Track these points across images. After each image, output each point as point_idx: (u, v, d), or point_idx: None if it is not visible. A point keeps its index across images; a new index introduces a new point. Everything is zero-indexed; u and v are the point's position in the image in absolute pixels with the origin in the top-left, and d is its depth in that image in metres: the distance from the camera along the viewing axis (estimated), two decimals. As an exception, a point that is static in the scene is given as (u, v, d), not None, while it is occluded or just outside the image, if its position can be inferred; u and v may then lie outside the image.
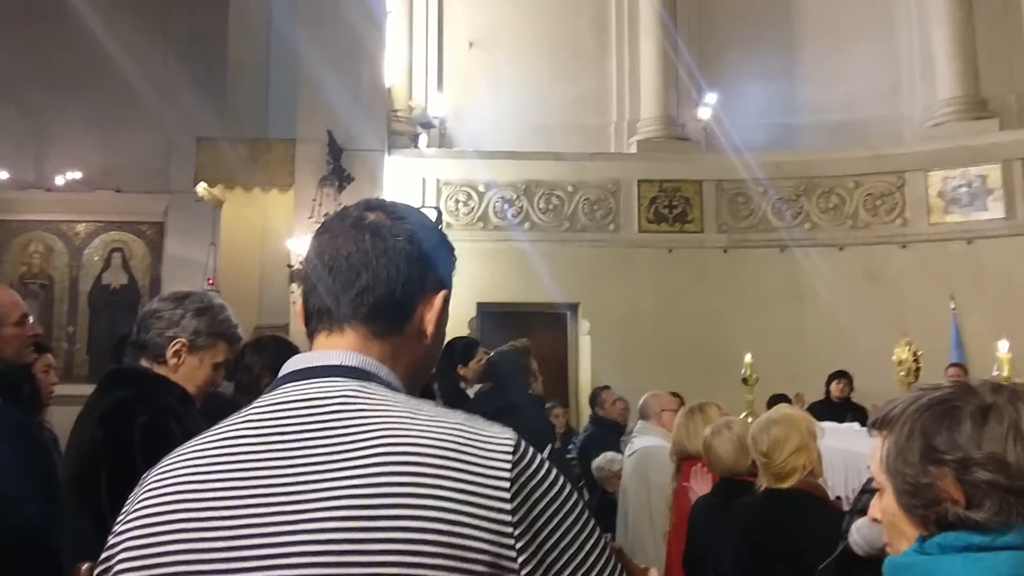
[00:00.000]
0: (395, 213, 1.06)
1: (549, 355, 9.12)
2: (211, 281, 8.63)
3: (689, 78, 9.96)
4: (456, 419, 0.93)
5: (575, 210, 9.44)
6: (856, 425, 5.99)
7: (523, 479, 0.88)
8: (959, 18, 9.10)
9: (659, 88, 9.86)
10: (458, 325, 8.27)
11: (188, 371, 2.08)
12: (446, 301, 1.07)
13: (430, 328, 1.05)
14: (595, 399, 6.45)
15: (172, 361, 2.07)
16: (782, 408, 2.97)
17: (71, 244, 10.25)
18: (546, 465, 0.92)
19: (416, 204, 8.96)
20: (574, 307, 9.42)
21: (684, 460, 3.54)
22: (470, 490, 0.86)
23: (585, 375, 9.16)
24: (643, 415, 4.47)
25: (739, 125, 9.51)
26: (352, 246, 1.02)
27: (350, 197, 8.42)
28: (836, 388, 7.40)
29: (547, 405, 6.58)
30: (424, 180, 9.34)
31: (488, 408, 3.29)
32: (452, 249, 1.12)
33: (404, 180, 9.15)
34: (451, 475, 0.86)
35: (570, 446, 6.30)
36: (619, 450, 5.42)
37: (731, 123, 9.54)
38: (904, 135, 9.51)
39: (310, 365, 1.00)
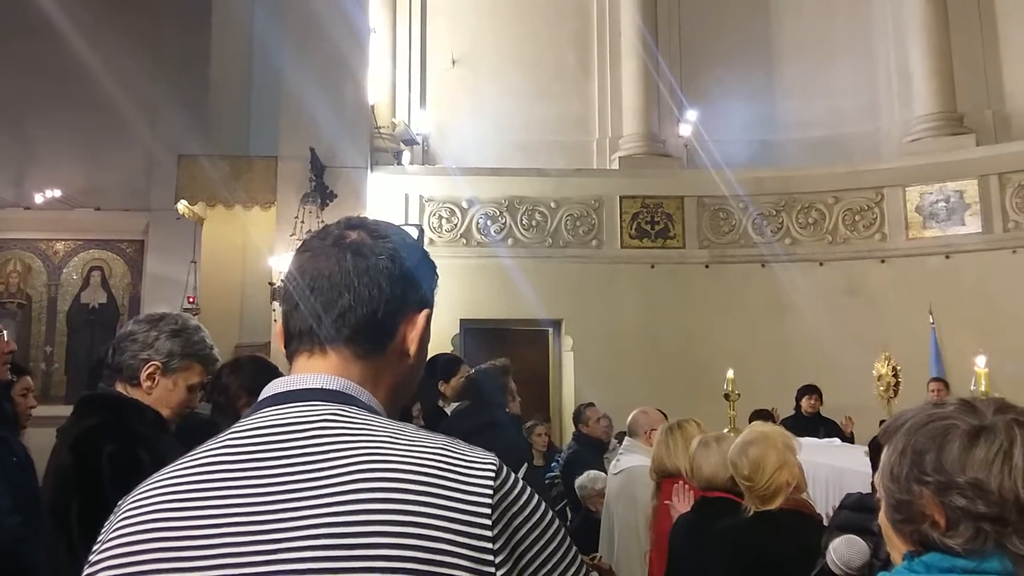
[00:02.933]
0: (376, 232, 1.05)
1: (532, 372, 9.15)
2: (191, 299, 8.57)
3: (670, 95, 10.04)
4: (438, 442, 0.92)
5: (558, 226, 9.47)
6: (836, 440, 6.03)
7: (505, 504, 0.88)
8: (936, 35, 9.24)
9: (641, 105, 9.93)
10: (441, 342, 8.25)
11: (162, 394, 2.05)
12: (428, 319, 1.06)
13: (413, 347, 1.04)
14: (579, 416, 6.43)
15: (146, 384, 2.05)
16: (756, 427, 2.93)
17: (50, 263, 10.16)
18: (528, 490, 0.92)
19: (399, 221, 9.02)
20: (557, 323, 9.43)
21: (664, 478, 3.52)
22: (451, 516, 0.85)
23: (568, 391, 9.15)
24: (631, 432, 4.43)
25: (720, 142, 9.60)
26: (334, 266, 1.01)
27: (333, 214, 8.42)
28: (807, 403, 7.45)
29: (530, 424, 6.57)
30: (407, 197, 9.34)
31: (466, 426, 3.27)
32: (434, 267, 1.11)
33: (387, 197, 9.15)
34: (432, 500, 0.85)
35: (553, 464, 6.27)
36: (602, 467, 5.40)
37: (712, 140, 9.62)
38: (883, 151, 9.61)
39: (290, 388, 0.99)
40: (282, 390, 0.99)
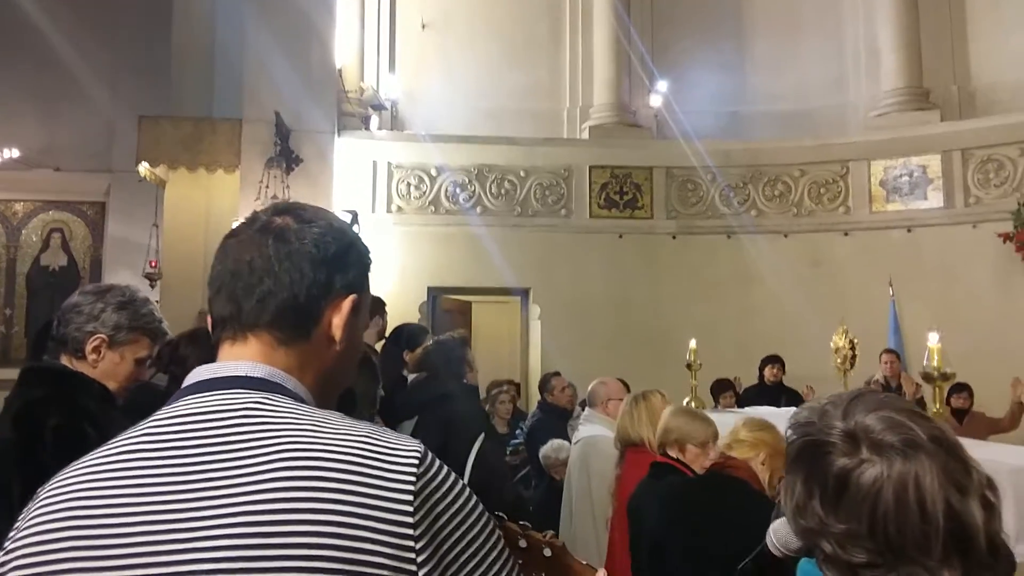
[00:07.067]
0: (303, 217, 1.04)
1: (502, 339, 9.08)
2: (153, 263, 8.44)
3: (641, 66, 10.00)
4: (362, 430, 0.91)
5: (527, 195, 9.44)
6: (794, 409, 6.14)
7: (427, 491, 0.87)
8: (904, 11, 9.27)
9: (611, 75, 9.88)
10: (409, 309, 8.24)
11: (108, 367, 2.01)
12: (356, 306, 1.04)
13: (339, 334, 1.02)
14: (545, 385, 6.48)
15: (91, 357, 2.00)
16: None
17: (8, 224, 9.94)
18: (452, 477, 0.91)
19: (367, 187, 8.94)
20: (525, 292, 9.44)
21: (628, 447, 3.58)
22: (372, 504, 0.84)
23: (535, 359, 9.20)
24: (590, 402, 4.49)
25: (689, 113, 9.60)
26: (255, 251, 1.00)
27: (299, 178, 8.32)
28: (769, 372, 7.61)
29: (495, 391, 6.61)
30: (375, 163, 9.24)
31: (422, 397, 3.27)
32: (366, 253, 1.09)
33: (355, 163, 9.04)
34: (353, 487, 0.85)
35: (517, 431, 6.33)
36: (566, 436, 5.46)
37: (682, 111, 9.62)
38: (849, 125, 9.68)
39: (214, 376, 0.97)
40: (206, 377, 0.98)
